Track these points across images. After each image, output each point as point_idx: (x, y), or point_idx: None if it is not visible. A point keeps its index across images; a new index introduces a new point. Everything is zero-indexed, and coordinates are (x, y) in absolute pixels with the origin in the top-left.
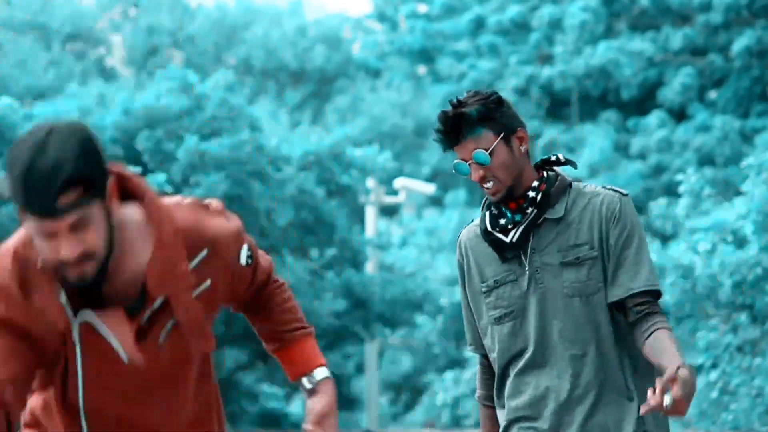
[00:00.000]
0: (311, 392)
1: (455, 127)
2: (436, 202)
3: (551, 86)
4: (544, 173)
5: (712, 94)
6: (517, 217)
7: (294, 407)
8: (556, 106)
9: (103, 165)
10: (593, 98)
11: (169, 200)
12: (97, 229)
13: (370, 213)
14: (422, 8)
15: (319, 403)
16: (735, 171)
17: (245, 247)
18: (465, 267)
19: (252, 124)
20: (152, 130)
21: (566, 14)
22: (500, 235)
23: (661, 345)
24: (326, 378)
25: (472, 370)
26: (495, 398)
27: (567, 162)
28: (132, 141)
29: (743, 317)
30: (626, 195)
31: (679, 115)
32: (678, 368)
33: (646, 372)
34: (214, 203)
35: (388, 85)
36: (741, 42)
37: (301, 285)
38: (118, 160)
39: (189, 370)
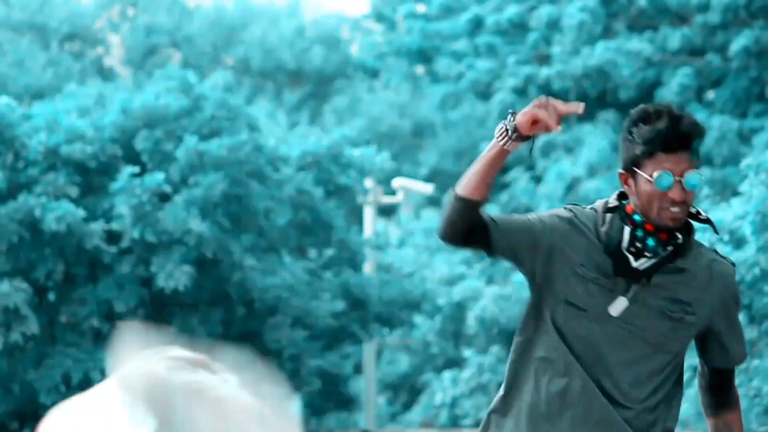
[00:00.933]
0: None
1: (689, 135)
2: (434, 202)
3: (549, 86)
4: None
5: (710, 95)
6: (660, 251)
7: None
8: None
9: None
10: (591, 98)
11: None
12: None
13: (368, 213)
14: (420, 8)
15: None
16: (733, 171)
17: None
18: (570, 235)
19: (250, 124)
20: (151, 130)
21: (564, 14)
22: (631, 257)
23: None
24: None
25: (471, 370)
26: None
27: (707, 221)
28: (130, 141)
29: (741, 318)
30: (734, 265)
31: None
32: None
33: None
34: None
35: (386, 85)
36: (739, 42)
37: (299, 285)
38: (116, 159)
39: None
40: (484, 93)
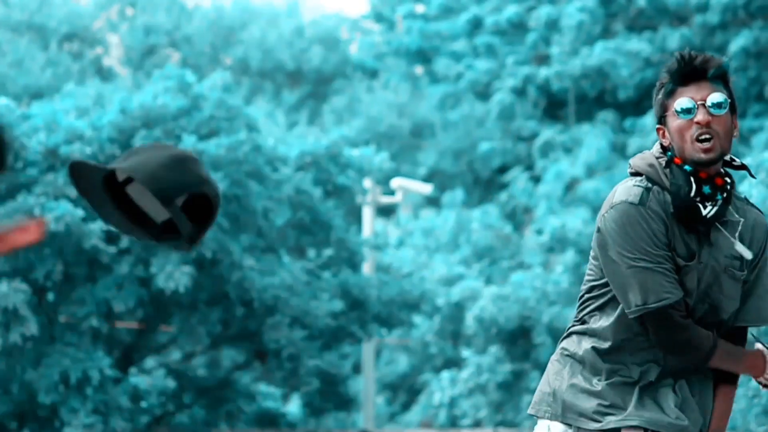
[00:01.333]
0: None
1: (704, 65)
2: (433, 202)
3: (548, 86)
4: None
5: None
6: (719, 196)
7: (291, 407)
8: (553, 107)
9: None
10: (590, 99)
11: None
12: None
13: (367, 213)
14: (419, 8)
15: None
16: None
17: None
18: (666, 237)
19: (249, 124)
20: (149, 130)
21: (563, 15)
22: (699, 205)
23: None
24: None
25: (469, 370)
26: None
27: (743, 167)
28: (129, 141)
29: None
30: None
31: None
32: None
33: None
34: None
35: (385, 85)
36: (738, 42)
37: (297, 285)
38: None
39: None
40: (483, 93)
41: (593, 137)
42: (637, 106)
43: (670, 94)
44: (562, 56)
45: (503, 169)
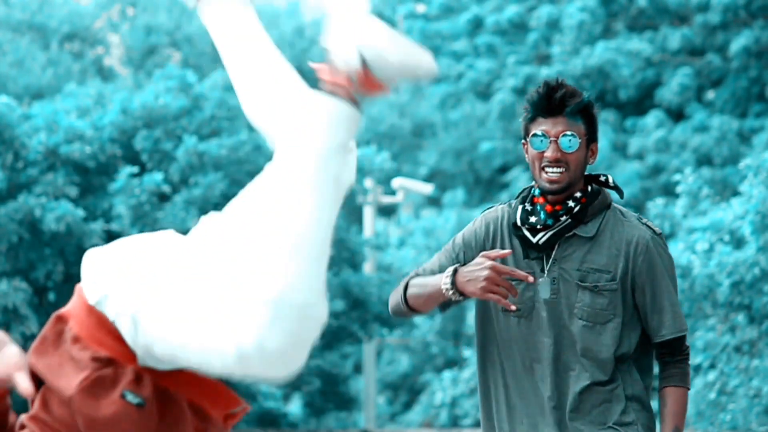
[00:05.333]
0: None
1: (561, 100)
2: (434, 202)
3: None
4: (588, 187)
5: (710, 95)
6: (549, 221)
7: (292, 407)
8: None
9: None
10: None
11: None
12: None
13: (368, 213)
14: (420, 8)
15: None
16: (733, 171)
17: None
18: (482, 243)
19: (250, 124)
20: (150, 130)
21: (564, 14)
22: (528, 233)
23: (663, 408)
24: None
25: (471, 370)
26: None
27: (615, 188)
28: (130, 140)
29: (741, 318)
30: (659, 234)
31: (677, 115)
32: None
33: (640, 402)
34: None
35: None
36: (739, 42)
37: None
38: (115, 159)
39: None
40: (484, 93)
41: None
42: (638, 105)
43: (531, 120)
44: (563, 56)
45: (504, 169)
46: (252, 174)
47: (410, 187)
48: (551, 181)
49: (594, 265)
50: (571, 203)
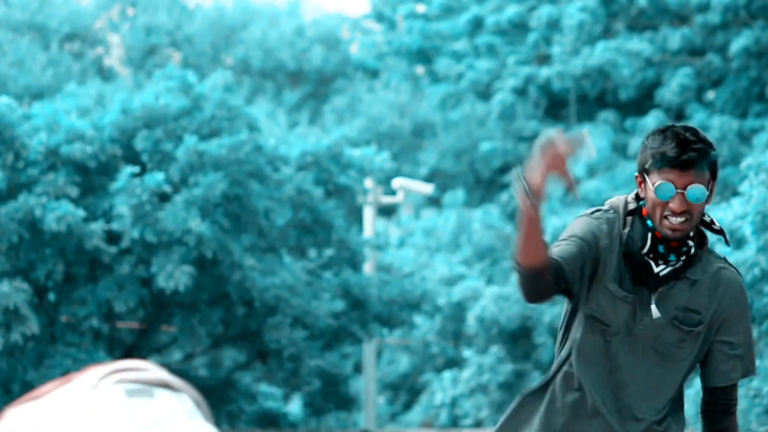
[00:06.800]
0: None
1: (692, 160)
2: (434, 202)
3: (549, 86)
4: (703, 230)
5: (710, 95)
6: (672, 257)
7: (292, 407)
8: (554, 107)
9: None
10: (591, 99)
11: None
12: None
13: (368, 213)
14: (420, 8)
15: None
16: (733, 171)
17: None
18: (605, 250)
19: (250, 124)
20: (151, 130)
21: (564, 15)
22: (651, 261)
23: None
24: None
25: (470, 370)
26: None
27: (720, 232)
28: (130, 141)
29: None
30: (740, 275)
31: (678, 115)
32: None
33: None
34: None
35: (386, 85)
36: (739, 42)
37: (299, 285)
38: (116, 159)
39: None
40: (484, 93)
41: (594, 137)
42: (638, 106)
43: (655, 166)
44: (563, 56)
45: (504, 169)
46: (252, 174)
47: (410, 187)
48: (674, 230)
49: (693, 306)
50: (690, 243)
